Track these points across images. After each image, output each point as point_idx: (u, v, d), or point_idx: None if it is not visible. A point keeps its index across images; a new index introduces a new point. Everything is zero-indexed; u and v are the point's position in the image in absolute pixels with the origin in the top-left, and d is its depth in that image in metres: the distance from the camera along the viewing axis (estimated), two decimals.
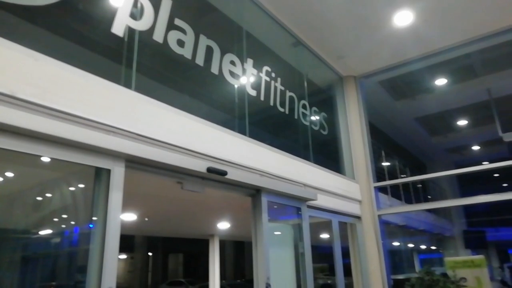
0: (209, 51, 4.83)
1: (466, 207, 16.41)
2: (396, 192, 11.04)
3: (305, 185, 5.61)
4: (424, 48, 7.15)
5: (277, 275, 4.85)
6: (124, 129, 3.27)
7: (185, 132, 3.89)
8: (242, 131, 4.91)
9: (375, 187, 7.44)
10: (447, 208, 14.98)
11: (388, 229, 8.10)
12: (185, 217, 7.39)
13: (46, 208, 3.48)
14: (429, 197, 14.12)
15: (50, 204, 3.46)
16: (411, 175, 12.62)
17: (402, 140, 12.44)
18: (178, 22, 4.43)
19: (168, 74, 5.60)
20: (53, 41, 3.67)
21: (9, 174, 3.22)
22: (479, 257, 6.41)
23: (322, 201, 5.90)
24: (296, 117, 6.56)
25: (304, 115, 6.80)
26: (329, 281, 14.10)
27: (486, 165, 6.77)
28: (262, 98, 5.69)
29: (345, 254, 6.88)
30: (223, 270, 22.31)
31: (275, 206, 5.17)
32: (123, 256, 25.82)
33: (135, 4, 3.85)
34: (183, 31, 4.47)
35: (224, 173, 3.86)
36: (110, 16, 3.61)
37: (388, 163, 11.81)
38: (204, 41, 4.76)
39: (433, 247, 16.17)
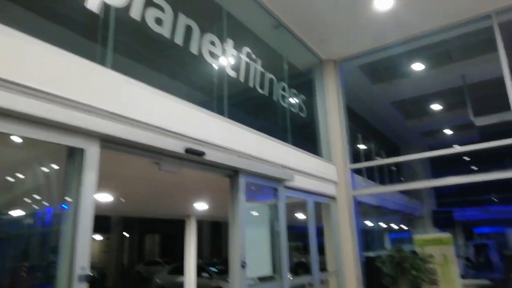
0: (188, 30, 4.72)
1: (436, 189, 17.04)
2: (371, 174, 11.31)
3: (282, 166, 5.66)
4: (403, 33, 7.23)
5: (253, 254, 4.94)
6: (99, 107, 3.19)
7: (162, 112, 3.83)
8: (221, 112, 4.88)
9: (351, 169, 7.61)
10: (419, 190, 15.51)
11: (362, 209, 8.33)
12: (162, 197, 7.37)
13: (18, 189, 3.39)
14: (402, 179, 14.56)
15: (22, 184, 3.37)
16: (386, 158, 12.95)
17: (379, 124, 12.68)
18: None
19: (146, 53, 5.47)
20: (23, 16, 3.50)
21: None
22: (446, 235, 6.71)
23: (298, 182, 5.99)
24: (275, 99, 6.57)
25: (284, 97, 6.81)
26: (303, 260, 14.45)
27: (457, 148, 7.01)
28: (242, 79, 5.64)
29: (320, 233, 7.06)
30: (200, 250, 22.49)
31: (253, 187, 5.22)
32: (99, 237, 25.62)
33: None
34: (161, 9, 4.34)
35: (201, 153, 3.85)
36: None
37: (364, 146, 12.05)
38: (183, 20, 4.65)
39: (403, 227, 16.76)
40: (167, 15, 4.40)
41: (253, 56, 5.99)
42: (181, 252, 9.22)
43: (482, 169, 6.74)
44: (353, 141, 9.06)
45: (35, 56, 2.83)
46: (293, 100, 7.15)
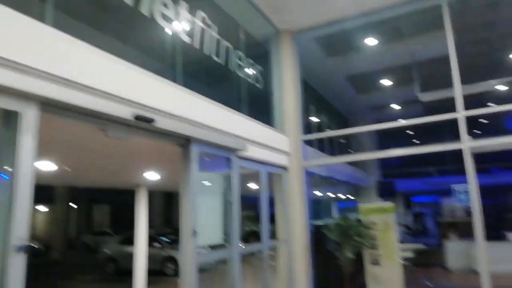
0: None
1: (381, 161, 17.98)
2: (322, 146, 11.65)
3: (236, 136, 5.63)
4: (359, 6, 7.27)
5: (205, 223, 4.96)
6: (38, 68, 2.93)
7: (110, 76, 3.61)
8: (174, 79, 4.70)
9: (303, 140, 7.76)
10: (365, 161, 16.26)
11: (312, 179, 8.59)
12: (110, 167, 7.10)
13: None
14: (350, 151, 15.17)
15: None
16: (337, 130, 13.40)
17: (331, 97, 12.96)
18: None
19: (93, 13, 5.08)
20: None
21: None
22: (389, 204, 7.14)
23: (252, 152, 6.01)
24: (231, 68, 6.44)
25: (239, 66, 6.70)
26: (255, 229, 14.81)
27: (401, 122, 7.36)
28: (196, 46, 5.45)
29: (272, 203, 7.22)
30: (152, 220, 22.28)
31: (207, 158, 5.17)
32: (44, 208, 24.50)
33: None
34: None
35: (151, 120, 3.71)
36: None
37: (316, 119, 12.32)
38: None
39: (350, 197, 17.61)
40: None
41: (209, 22, 5.78)
42: (132, 223, 9.07)
43: (423, 143, 7.15)
44: (306, 113, 9.22)
45: None
46: (250, 71, 7.07)
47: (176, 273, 11.12)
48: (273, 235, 7.14)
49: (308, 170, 7.83)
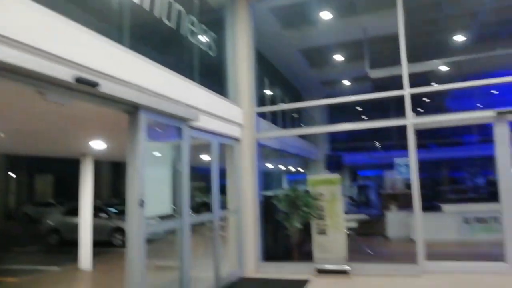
0: None
1: (330, 135, 18.53)
2: (274, 119, 11.74)
3: (187, 105, 5.48)
4: None
5: (154, 193, 4.84)
6: None
7: (48, 34, 3.29)
8: (119, 41, 4.40)
9: (256, 112, 7.75)
10: (315, 135, 16.68)
11: (264, 152, 8.67)
12: (52, 134, 6.66)
13: None
14: (302, 125, 15.46)
15: None
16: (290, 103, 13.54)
17: (285, 70, 12.97)
18: None
19: None
20: None
21: None
22: (335, 176, 7.40)
23: (204, 122, 5.90)
24: (183, 33, 6.17)
25: (192, 32, 6.44)
26: (206, 200, 14.84)
27: (351, 98, 7.55)
28: (146, 7, 5.13)
29: (223, 175, 7.22)
30: (99, 190, 21.61)
31: (158, 129, 5.00)
32: None
33: None
34: None
35: (95, 84, 3.47)
36: None
37: (270, 92, 12.32)
38: None
39: (300, 169, 18.09)
40: None
41: None
42: (77, 193, 8.69)
43: (371, 119, 7.42)
44: (259, 85, 9.17)
45: None
46: (203, 38, 6.83)
47: (124, 244, 10.94)
48: (224, 205, 7.18)
49: (260, 142, 7.87)
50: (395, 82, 6.89)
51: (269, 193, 8.34)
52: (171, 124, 5.11)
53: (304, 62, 12.17)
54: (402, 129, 6.77)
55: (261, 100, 9.60)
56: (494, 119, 6.44)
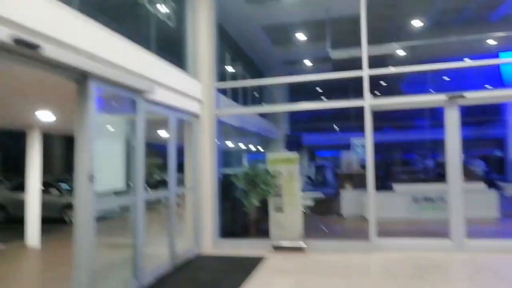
0: None
1: (290, 115, 18.71)
2: (235, 97, 11.58)
3: (143, 76, 5.20)
4: None
5: (105, 168, 4.62)
6: None
7: None
8: (68, 3, 4.03)
9: (216, 88, 7.55)
10: (276, 115, 16.74)
11: (223, 129, 8.54)
12: None
13: None
14: (263, 104, 15.41)
15: None
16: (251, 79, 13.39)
17: (248, 47, 12.75)
18: None
19: None
20: None
21: None
22: (294, 155, 7.45)
23: (160, 96, 5.66)
24: (140, 1, 5.81)
25: (150, 0, 6.08)
26: (165, 177, 14.56)
27: (311, 76, 7.55)
28: None
29: (182, 152, 7.04)
30: (51, 166, 20.59)
31: (111, 101, 4.71)
32: None
33: None
34: None
35: (36, 46, 3.15)
36: None
37: (231, 68, 12.09)
38: None
39: (260, 148, 18.16)
40: None
41: None
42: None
43: (330, 100, 7.49)
44: (221, 61, 8.95)
45: None
46: (162, 7, 6.48)
47: None
48: (182, 183, 7.04)
49: (220, 119, 7.73)
50: (355, 65, 6.96)
51: (229, 171, 8.28)
52: (124, 95, 4.84)
53: (267, 40, 12.02)
54: (359, 112, 6.90)
55: (222, 77, 9.39)
56: (445, 102, 6.70)
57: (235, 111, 9.43)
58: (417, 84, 16.99)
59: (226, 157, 13.07)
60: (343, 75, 7.03)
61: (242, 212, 7.60)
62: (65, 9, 3.86)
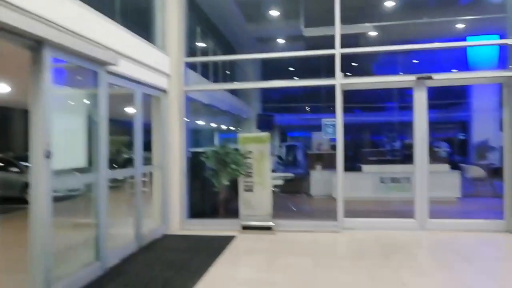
0: None
1: (262, 94, 18.55)
2: (206, 74, 11.26)
3: (105, 47, 4.87)
4: None
5: (64, 144, 4.35)
6: None
7: None
8: None
9: (185, 63, 7.26)
10: (248, 94, 16.54)
11: (194, 107, 8.30)
12: None
13: None
14: (235, 82, 15.15)
15: None
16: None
17: (219, 22, 12.36)
18: None
19: None
20: None
21: None
22: (265, 134, 7.34)
23: (125, 68, 5.35)
24: None
25: None
26: (133, 155, 14.16)
27: (283, 54, 7.40)
28: None
29: (150, 129, 6.79)
30: (10, 142, 19.60)
31: (75, 75, 4.39)
32: None
33: None
34: None
35: None
36: None
37: (203, 44, 11.72)
38: None
39: (232, 128, 17.99)
40: None
41: None
42: None
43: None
44: (191, 35, 8.59)
45: None
46: None
47: None
48: (149, 161, 6.80)
49: (189, 96, 7.47)
50: (328, 46, 6.86)
51: (200, 150, 8.08)
52: (85, 66, 4.51)
53: (240, 15, 11.67)
54: (331, 94, 6.85)
55: (192, 52, 9.04)
56: (414, 83, 6.75)
57: (204, 87, 9.17)
58: (387, 66, 17.18)
59: (197, 136, 12.84)
60: (316, 53, 6.93)
61: (212, 192, 7.48)
62: None
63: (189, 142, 7.52)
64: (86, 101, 5.02)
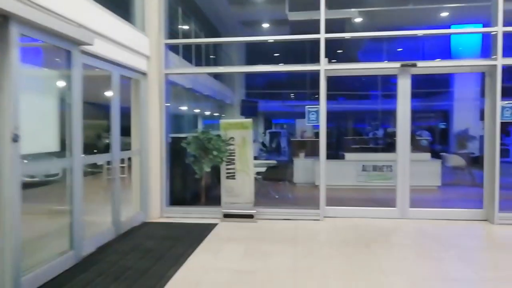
0: None
1: (246, 80, 18.34)
2: (188, 56, 10.96)
3: (80, 24, 4.59)
4: None
5: (35, 127, 4.11)
6: None
7: None
8: None
9: (165, 44, 6.99)
10: (232, 79, 16.29)
11: (175, 91, 8.06)
12: None
13: None
14: (218, 67, 14.87)
15: None
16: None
17: (203, 3, 12.01)
18: None
19: None
20: None
21: None
22: (247, 120, 7.19)
23: (101, 48, 5.09)
24: None
25: None
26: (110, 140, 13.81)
27: (267, 38, 7.23)
28: None
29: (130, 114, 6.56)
30: None
31: (47, 55, 4.12)
32: None
33: None
34: None
35: None
36: None
37: (185, 26, 11.38)
38: None
39: (215, 114, 17.75)
40: None
41: None
42: None
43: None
44: (173, 16, 8.30)
45: None
46: None
47: None
48: (128, 146, 6.58)
49: (170, 79, 7.23)
50: (313, 31, 6.72)
51: (181, 135, 7.88)
52: (56, 44, 4.24)
53: None
54: (315, 80, 6.74)
55: (174, 34, 8.75)
56: (399, 70, 6.69)
57: (186, 70, 8.90)
58: (372, 54, 17.17)
59: (179, 122, 12.58)
60: (300, 37, 6.78)
61: (193, 179, 7.33)
62: None
63: (170, 128, 7.32)
64: (59, 83, 4.75)
